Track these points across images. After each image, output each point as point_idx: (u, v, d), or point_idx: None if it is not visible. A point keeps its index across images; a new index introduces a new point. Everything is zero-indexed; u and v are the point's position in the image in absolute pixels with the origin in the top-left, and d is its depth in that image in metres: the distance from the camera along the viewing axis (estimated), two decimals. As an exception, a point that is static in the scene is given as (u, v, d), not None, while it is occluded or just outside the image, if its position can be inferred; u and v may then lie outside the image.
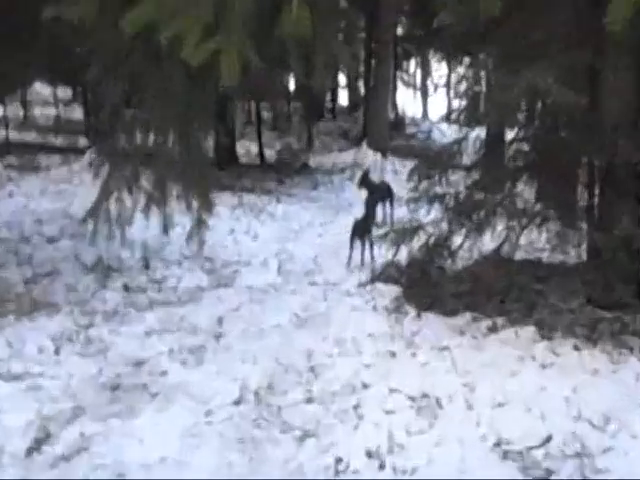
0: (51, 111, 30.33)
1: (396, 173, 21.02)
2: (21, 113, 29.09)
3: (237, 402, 6.13)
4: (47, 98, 31.85)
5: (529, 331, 7.32)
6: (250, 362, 7.00)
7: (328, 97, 36.56)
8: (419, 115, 41.39)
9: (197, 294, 9.28)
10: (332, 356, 7.18)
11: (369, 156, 22.53)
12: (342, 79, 40.16)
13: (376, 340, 7.53)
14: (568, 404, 5.84)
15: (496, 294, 8.48)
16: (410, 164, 22.13)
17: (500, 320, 7.72)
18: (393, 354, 7.15)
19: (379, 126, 23.82)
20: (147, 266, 10.19)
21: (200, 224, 9.52)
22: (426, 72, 49.48)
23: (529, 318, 7.79)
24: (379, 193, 14.11)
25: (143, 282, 9.62)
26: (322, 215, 15.22)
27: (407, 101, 44.00)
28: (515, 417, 5.68)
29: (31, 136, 24.73)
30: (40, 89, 31.25)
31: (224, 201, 14.74)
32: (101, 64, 8.27)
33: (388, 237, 9.36)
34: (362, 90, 33.10)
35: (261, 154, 22.15)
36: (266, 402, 6.17)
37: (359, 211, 15.62)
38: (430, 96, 50.74)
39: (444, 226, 9.22)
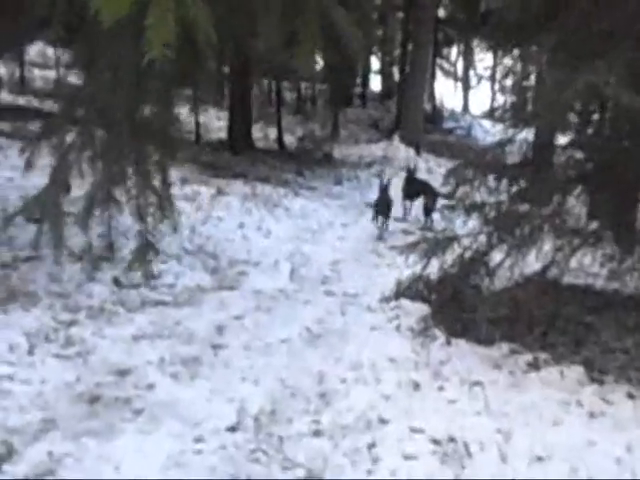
0: (51, 74, 30.06)
1: (430, 172, 20.71)
2: (18, 74, 28.79)
3: (233, 428, 5.82)
4: (49, 60, 31.56)
5: (576, 371, 6.96)
6: (251, 381, 6.72)
7: (358, 82, 36.14)
8: (459, 109, 40.98)
9: (197, 296, 8.98)
10: (346, 382, 6.86)
11: (401, 150, 22.19)
12: (375, 63, 39.83)
13: (398, 367, 7.19)
14: (620, 465, 5.50)
15: (539, 324, 8.10)
16: (446, 163, 22.24)
17: (542, 355, 7.36)
18: (417, 385, 6.81)
19: (414, 118, 23.49)
20: (142, 259, 9.85)
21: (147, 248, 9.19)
22: (469, 61, 49.22)
23: (576, 355, 7.43)
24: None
25: (137, 277, 9.28)
26: (344, 215, 14.90)
27: (446, 92, 43.71)
28: (557, 476, 5.33)
29: (27, 100, 24.39)
30: (43, 49, 30.97)
31: (235, 190, 14.49)
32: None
33: (418, 247, 9.00)
34: (396, 77, 32.66)
35: (280, 140, 21.80)
36: (267, 431, 5.86)
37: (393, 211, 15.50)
38: (472, 88, 50.51)
39: (482, 240, 8.90)
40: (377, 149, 22.57)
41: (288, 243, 12.03)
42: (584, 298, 8.88)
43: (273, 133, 22.69)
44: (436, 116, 31.38)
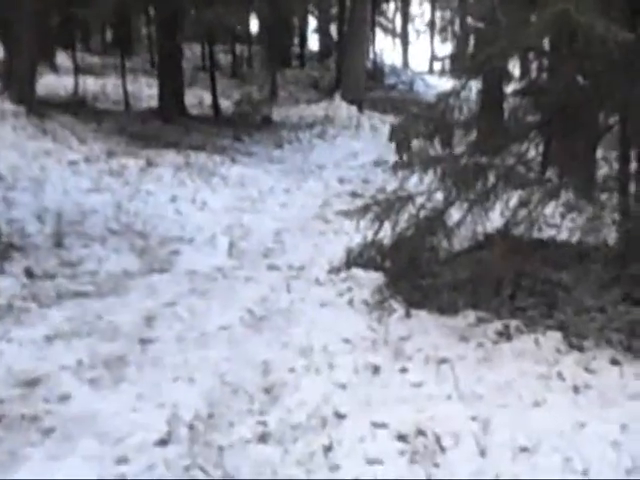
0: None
1: (375, 130, 19.87)
2: None
3: (163, 442, 4.93)
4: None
5: (552, 338, 6.24)
6: (185, 380, 5.84)
7: (296, 42, 35.10)
8: (399, 65, 40.13)
9: (122, 282, 8.05)
10: (295, 371, 6.02)
11: (343, 109, 21.33)
12: (312, 22, 38.75)
13: (353, 348, 6.38)
14: (617, 449, 4.72)
15: (505, 286, 7.36)
16: (391, 120, 21.37)
17: (513, 322, 6.63)
18: (376, 369, 6.00)
19: (354, 75, 22.67)
20: (60, 243, 8.89)
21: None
22: (407, 17, 48.36)
23: (549, 319, 6.73)
24: None
25: (53, 266, 8.34)
26: (286, 180, 13.98)
27: (386, 49, 42.84)
28: (546, 470, 4.54)
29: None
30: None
31: (166, 160, 13.51)
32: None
33: (369, 211, 8.14)
34: (335, 35, 31.65)
35: (215, 105, 20.69)
36: (204, 440, 4.97)
37: (330, 175, 14.66)
38: (411, 44, 49.76)
39: (439, 197, 8.07)
40: (318, 109, 21.67)
41: (225, 215, 11.12)
42: (549, 253, 8.11)
43: (208, 98, 21.56)
44: (377, 73, 30.47)
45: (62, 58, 23.88)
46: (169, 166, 13.18)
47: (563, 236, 8.41)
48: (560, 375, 5.68)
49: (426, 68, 43.85)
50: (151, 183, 12.03)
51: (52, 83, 21.89)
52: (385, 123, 21.01)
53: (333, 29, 34.29)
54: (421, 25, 51.08)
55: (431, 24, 48.89)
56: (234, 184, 12.98)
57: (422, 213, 8.15)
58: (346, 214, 8.40)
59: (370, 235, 8.43)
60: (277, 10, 22.63)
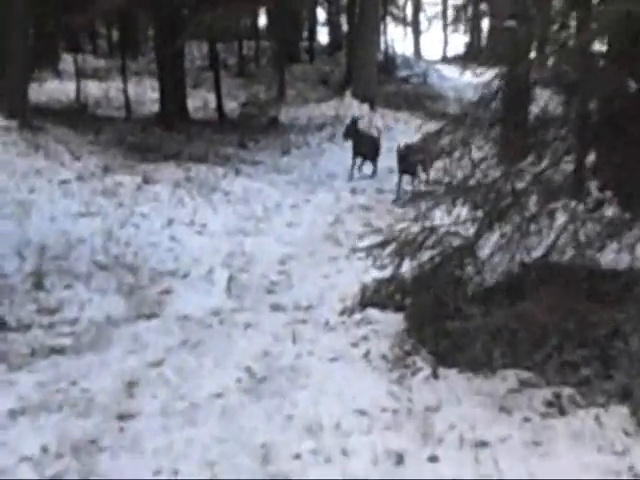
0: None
1: (388, 129, 18.68)
2: None
3: None
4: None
5: (616, 414, 5.06)
6: (168, 473, 4.71)
7: (304, 35, 33.90)
8: (411, 54, 38.92)
9: (105, 333, 6.94)
10: (301, 458, 4.92)
11: (354, 108, 20.17)
12: (321, 14, 37.56)
13: (371, 425, 5.27)
14: None
15: (549, 331, 6.16)
16: (405, 117, 20.20)
17: (565, 389, 5.44)
18: (400, 458, 4.86)
19: (366, 70, 21.46)
20: (39, 284, 7.78)
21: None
22: (418, 4, 47.18)
23: (608, 381, 5.51)
24: (365, 147, 14.34)
25: (29, 313, 7.26)
26: (294, 192, 12.83)
27: (397, 38, 41.64)
28: None
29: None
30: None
31: (165, 176, 12.40)
32: None
33: (387, 246, 7.00)
34: (345, 27, 30.37)
35: (219, 108, 19.58)
36: None
37: (341, 184, 13.52)
38: (423, 32, 48.56)
39: (469, 227, 6.96)
40: (328, 108, 20.50)
41: (226, 239, 10.00)
42: (596, 283, 6.91)
43: (214, 100, 20.44)
44: (389, 65, 29.20)
45: (68, 62, 22.78)
46: (167, 182, 12.07)
47: (607, 259, 7.22)
48: (632, 470, 4.52)
49: (439, 56, 42.64)
50: (146, 204, 10.92)
51: (55, 89, 20.99)
52: (399, 121, 19.94)
53: (343, 21, 32.97)
54: (433, 13, 49.79)
55: (443, 12, 47.72)
56: (237, 200, 11.83)
57: (448, 243, 7.04)
58: (360, 251, 7.26)
59: (386, 265, 7.28)
60: (284, 3, 21.43)
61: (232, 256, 9.31)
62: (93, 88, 21.36)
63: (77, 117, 16.72)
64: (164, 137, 15.74)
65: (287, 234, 10.44)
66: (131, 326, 7.08)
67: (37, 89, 20.34)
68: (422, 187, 11.94)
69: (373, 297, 7.52)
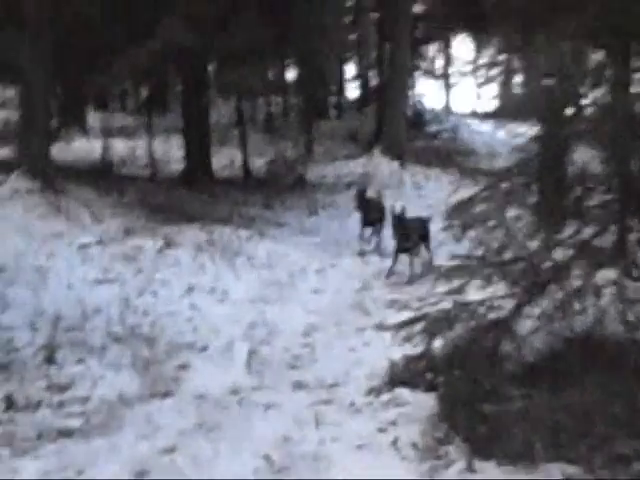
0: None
1: (418, 187, 18.39)
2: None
3: None
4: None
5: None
6: None
7: (333, 90, 33.78)
8: (441, 107, 38.70)
9: (116, 414, 6.57)
10: None
11: (383, 165, 19.89)
12: (351, 68, 37.53)
13: (399, 526, 4.82)
14: None
15: (595, 419, 5.71)
16: (434, 173, 19.89)
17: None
18: None
19: (395, 125, 21.28)
20: (51, 358, 7.48)
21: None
22: (448, 58, 47.07)
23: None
24: (373, 214, 13.42)
25: (38, 390, 6.93)
26: (321, 255, 12.49)
27: (426, 93, 41.52)
28: None
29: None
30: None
31: (187, 239, 12.10)
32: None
33: (417, 323, 6.64)
34: (375, 81, 30.25)
35: (245, 167, 19.39)
36: None
37: (373, 245, 13.18)
38: (453, 86, 48.38)
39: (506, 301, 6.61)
40: (356, 166, 20.25)
41: (248, 308, 9.66)
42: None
43: (240, 158, 20.27)
44: (419, 120, 29.01)
45: (97, 120, 22.79)
46: (189, 246, 11.78)
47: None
48: None
49: (469, 110, 42.42)
50: (167, 269, 10.65)
51: (82, 147, 20.95)
52: (430, 178, 19.63)
53: (373, 75, 32.88)
54: (463, 66, 49.60)
55: (474, 65, 47.56)
56: (261, 265, 11.52)
57: (483, 317, 6.68)
58: (388, 329, 6.90)
59: (417, 345, 6.91)
60: (309, 59, 21.28)
61: (254, 326, 8.97)
62: (119, 146, 21.26)
63: (102, 177, 16.55)
64: (188, 197, 15.54)
65: (312, 301, 10.09)
66: (145, 405, 6.72)
67: (64, 148, 20.40)
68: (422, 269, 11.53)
69: (402, 374, 7.13)
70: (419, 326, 6.61)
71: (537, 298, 6.51)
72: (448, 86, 47.18)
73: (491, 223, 6.82)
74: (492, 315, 6.60)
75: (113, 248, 11.14)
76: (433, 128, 29.52)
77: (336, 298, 10.26)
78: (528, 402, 6.11)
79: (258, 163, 20.62)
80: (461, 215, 6.87)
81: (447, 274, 6.61)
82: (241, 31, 13.49)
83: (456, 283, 6.60)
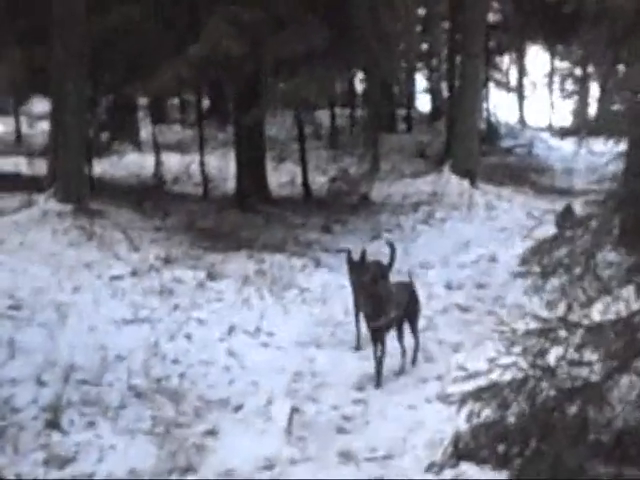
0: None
1: (490, 209, 17.10)
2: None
3: None
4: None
5: None
6: None
7: (402, 102, 32.58)
8: (514, 121, 37.21)
9: (123, 500, 5.51)
10: None
11: (453, 184, 18.61)
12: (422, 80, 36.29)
13: None
14: None
15: None
16: (507, 193, 18.55)
17: None
18: None
19: (467, 141, 19.87)
20: (55, 422, 6.43)
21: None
22: (522, 69, 45.56)
23: None
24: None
25: (34, 465, 5.89)
26: (383, 287, 11.27)
27: (500, 105, 40.08)
28: None
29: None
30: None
31: (233, 270, 11.10)
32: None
33: (487, 392, 5.47)
34: (446, 94, 28.96)
35: (305, 185, 18.27)
36: None
37: (436, 277, 11.98)
38: (527, 98, 46.75)
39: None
40: (424, 184, 18.95)
41: (295, 353, 8.59)
42: None
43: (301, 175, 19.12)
44: (492, 134, 27.61)
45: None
46: (235, 278, 10.74)
47: None
48: None
49: (545, 124, 40.80)
50: (206, 306, 9.62)
51: (135, 162, 20.11)
52: (502, 199, 18.31)
53: (445, 87, 31.61)
54: (539, 77, 47.97)
55: (550, 76, 45.90)
56: (314, 300, 10.39)
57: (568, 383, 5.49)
58: (450, 401, 5.72)
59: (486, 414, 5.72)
60: (375, 68, 20.01)
61: (299, 377, 7.87)
62: (174, 161, 20.36)
63: (150, 195, 15.62)
64: (239, 220, 14.44)
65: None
66: (158, 488, 5.65)
67: (116, 162, 19.65)
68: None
69: (469, 445, 5.95)
70: (488, 395, 5.42)
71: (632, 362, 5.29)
72: (522, 99, 45.62)
73: (577, 270, 5.62)
74: (578, 381, 5.39)
75: (148, 281, 10.15)
76: (507, 143, 28.12)
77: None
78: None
79: (320, 181, 19.49)
80: (542, 260, 5.67)
81: (522, 341, 5.40)
82: (295, 36, 12.36)
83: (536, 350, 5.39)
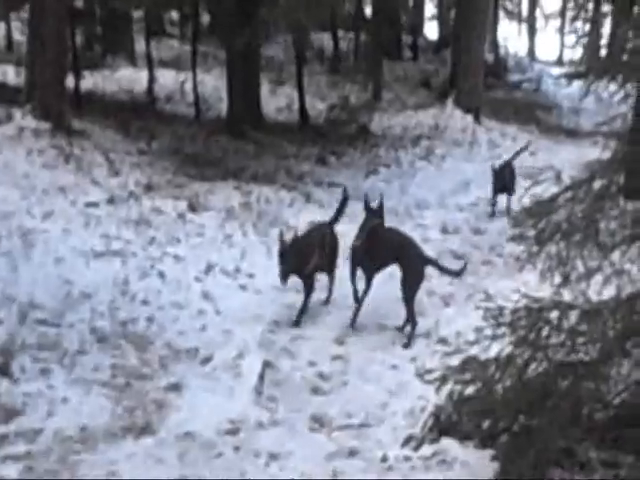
0: None
1: (493, 147, 16.47)
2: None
3: None
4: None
5: None
6: None
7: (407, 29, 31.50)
8: (524, 53, 36.32)
9: (69, 460, 5.01)
10: None
11: (456, 119, 17.96)
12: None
13: None
14: None
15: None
16: (511, 131, 17.87)
17: None
18: None
19: (472, 73, 19.24)
20: (5, 368, 5.91)
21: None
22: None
23: None
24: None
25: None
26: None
27: (509, 38, 39.02)
28: None
29: None
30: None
31: (218, 200, 10.56)
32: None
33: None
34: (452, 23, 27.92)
35: (302, 111, 17.49)
36: None
37: (431, 219, 11.42)
38: (538, 31, 45.68)
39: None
40: (426, 117, 18.28)
41: (275, 298, 8.02)
42: None
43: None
44: (500, 67, 26.75)
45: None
46: (218, 210, 10.19)
47: None
48: None
49: (554, 58, 39.83)
50: (185, 241, 9.08)
51: (128, 77, 19.24)
52: (506, 136, 17.67)
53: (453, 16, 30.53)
54: (551, 10, 46.74)
55: (562, 11, 44.69)
56: (300, 239, 9.83)
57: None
58: (430, 375, 5.20)
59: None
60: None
61: (276, 327, 7.36)
62: (169, 79, 19.45)
63: (140, 114, 14.89)
64: (230, 147, 13.75)
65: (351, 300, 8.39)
66: (111, 449, 5.15)
67: (109, 77, 18.81)
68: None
69: (452, 418, 5.45)
70: (472, 372, 4.92)
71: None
72: (533, 31, 44.54)
73: (577, 237, 5.04)
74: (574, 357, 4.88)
75: (125, 210, 9.58)
76: (515, 77, 27.32)
77: (384, 288, 8.54)
78: (612, 474, 4.67)
79: (319, 108, 18.69)
80: (537, 223, 5.09)
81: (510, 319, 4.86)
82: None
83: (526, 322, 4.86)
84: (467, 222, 11.46)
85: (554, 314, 4.74)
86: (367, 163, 14.60)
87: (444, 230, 10.96)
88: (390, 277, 8.62)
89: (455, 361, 5.13)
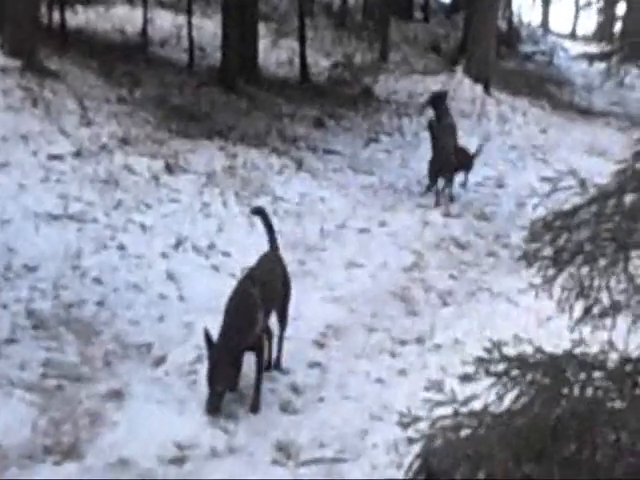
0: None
1: (502, 121, 15.44)
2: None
3: None
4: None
5: None
6: None
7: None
8: (538, 24, 35.08)
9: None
10: None
11: (465, 88, 16.85)
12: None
13: None
14: None
15: None
16: (522, 105, 16.79)
17: None
18: None
19: (483, 42, 18.06)
20: None
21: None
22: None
23: None
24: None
25: None
26: (368, 206, 9.72)
27: (523, 6, 37.74)
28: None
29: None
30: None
31: (197, 163, 9.46)
32: None
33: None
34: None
35: (303, 68, 16.30)
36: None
37: (432, 200, 10.40)
38: (553, 2, 44.23)
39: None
40: (434, 83, 17.09)
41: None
42: None
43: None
44: (512, 37, 25.63)
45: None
46: (198, 173, 9.13)
47: None
48: None
49: (568, 30, 38.52)
50: (156, 207, 8.01)
51: (123, 16, 17.99)
52: (516, 110, 16.60)
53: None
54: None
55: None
56: (286, 213, 8.77)
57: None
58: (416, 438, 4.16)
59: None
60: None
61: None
62: (167, 21, 18.20)
63: (128, 58, 13.72)
64: (220, 101, 12.56)
65: (341, 283, 7.38)
66: (23, 475, 4.14)
67: (102, 14, 17.60)
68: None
69: (443, 463, 4.44)
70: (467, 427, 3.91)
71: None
72: (547, 1, 43.11)
73: (602, 262, 3.97)
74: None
75: (93, 166, 8.48)
76: (527, 48, 26.18)
77: (375, 279, 7.57)
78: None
79: (322, 65, 17.55)
80: (556, 240, 4.02)
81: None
82: None
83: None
84: (471, 205, 10.48)
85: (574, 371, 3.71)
86: (368, 129, 13.48)
87: (446, 213, 9.91)
88: (383, 267, 7.66)
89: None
